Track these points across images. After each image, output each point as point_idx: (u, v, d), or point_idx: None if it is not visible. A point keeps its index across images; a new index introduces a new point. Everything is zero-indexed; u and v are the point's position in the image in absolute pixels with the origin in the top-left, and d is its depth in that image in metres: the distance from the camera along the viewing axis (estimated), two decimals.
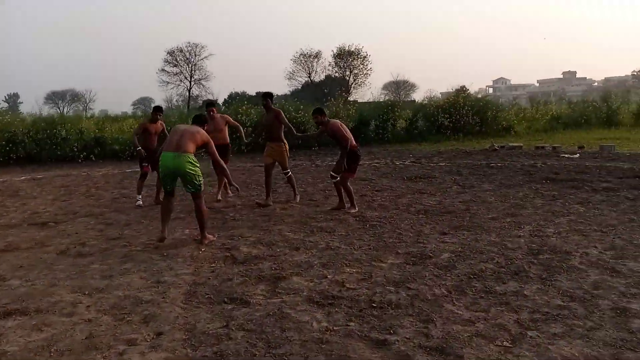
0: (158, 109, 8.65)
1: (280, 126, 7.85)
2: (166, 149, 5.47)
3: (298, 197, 8.10)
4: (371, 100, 23.01)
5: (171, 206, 5.77)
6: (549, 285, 3.95)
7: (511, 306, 3.60)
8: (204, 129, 5.75)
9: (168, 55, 54.71)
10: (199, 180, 5.50)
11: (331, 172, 7.41)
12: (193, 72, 55.55)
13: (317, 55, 58.91)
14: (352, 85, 58.64)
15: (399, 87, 67.85)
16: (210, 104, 8.96)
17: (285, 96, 49.48)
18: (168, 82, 54.96)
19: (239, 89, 51.32)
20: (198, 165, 5.51)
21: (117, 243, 5.75)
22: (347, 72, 59.39)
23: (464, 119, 20.57)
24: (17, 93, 78.49)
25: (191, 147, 5.42)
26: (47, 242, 5.85)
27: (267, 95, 8.13)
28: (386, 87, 67.20)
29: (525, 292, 3.81)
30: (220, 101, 22.78)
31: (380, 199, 8.01)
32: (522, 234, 5.53)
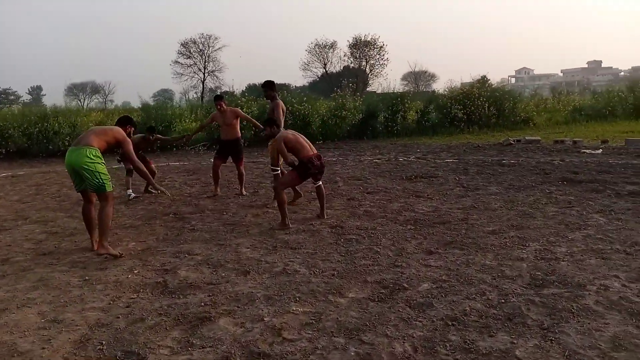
0: (218, 97, 8.15)
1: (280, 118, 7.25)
2: (72, 145, 5.04)
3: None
4: (390, 91, 21.73)
5: (89, 213, 5.18)
6: (550, 340, 2.92)
7: None
8: (126, 130, 5.50)
9: (181, 47, 54.21)
10: (101, 178, 4.87)
11: (270, 166, 7.21)
12: (206, 63, 54.89)
13: (333, 46, 57.74)
14: (369, 76, 57.40)
15: (418, 77, 66.24)
16: (218, 97, 8.21)
17: (302, 88, 48.49)
18: (182, 74, 54.47)
19: (256, 80, 50.36)
20: (100, 161, 4.92)
21: (44, 260, 4.88)
22: (364, 63, 58.10)
23: (479, 111, 19.36)
24: (40, 85, 78.89)
25: (95, 142, 4.95)
26: None
27: (268, 85, 7.51)
28: (405, 77, 65.70)
29: (518, 353, 2.79)
30: (239, 93, 21.76)
31: (369, 203, 7.01)
32: (525, 256, 4.49)
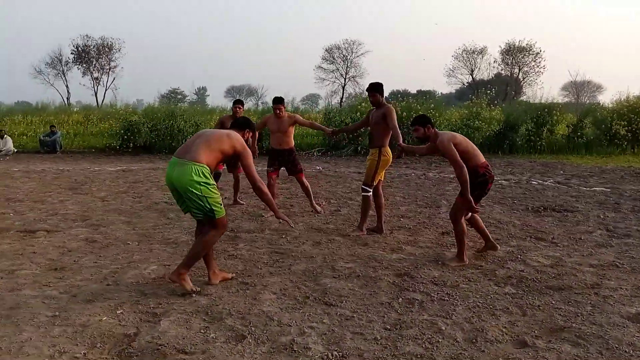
0: (278, 100, 6.73)
1: (387, 128, 5.61)
2: (176, 154, 3.86)
3: (358, 233, 5.77)
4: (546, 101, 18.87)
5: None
6: None
7: None
8: (244, 136, 4.10)
9: (326, 53, 54.83)
10: (209, 204, 3.73)
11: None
12: (348, 69, 54.87)
13: (482, 52, 53.95)
14: (522, 84, 52.76)
15: (580, 88, 59.30)
16: (279, 99, 6.70)
17: (448, 95, 45.56)
18: (324, 79, 55.13)
19: (398, 87, 48.87)
20: (210, 182, 3.75)
21: (44, 278, 4.16)
22: (516, 70, 53.53)
23: None
24: (205, 87, 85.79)
25: (204, 155, 3.74)
26: None
27: (375, 88, 5.77)
28: (565, 87, 59.19)
29: None
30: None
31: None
32: None
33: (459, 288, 3.97)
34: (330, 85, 55.70)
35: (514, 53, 52.99)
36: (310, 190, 6.83)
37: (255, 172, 3.92)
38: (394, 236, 5.67)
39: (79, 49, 49.70)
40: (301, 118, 7.00)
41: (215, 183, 3.82)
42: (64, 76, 51.00)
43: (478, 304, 3.64)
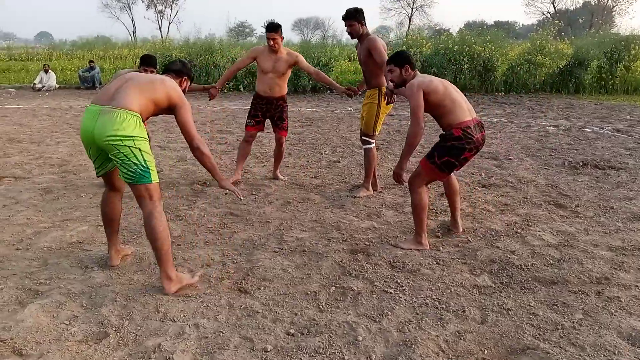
0: (273, 27, 5.06)
1: (376, 64, 4.60)
2: (95, 101, 2.94)
3: (364, 192, 4.89)
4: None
5: (112, 209, 3.21)
6: None
7: None
8: (182, 85, 3.26)
9: None
10: (140, 163, 2.79)
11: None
12: None
13: None
14: (613, 13, 47.40)
15: None
16: (274, 26, 5.06)
17: (530, 27, 41.52)
18: (389, 9, 52.24)
19: (474, 18, 45.17)
20: (142, 135, 2.82)
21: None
22: None
23: None
24: (273, 19, 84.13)
25: (136, 103, 2.83)
26: None
27: (352, 15, 4.67)
28: None
29: None
30: (455, 31, 18.11)
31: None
32: None
33: (417, 275, 3.15)
34: (395, 16, 52.80)
35: None
36: (283, 155, 5.59)
37: (195, 129, 3.00)
38: (382, 196, 4.83)
39: None
40: (305, 61, 5.24)
41: (147, 138, 2.90)
42: (130, 9, 51.49)
43: (428, 301, 2.82)
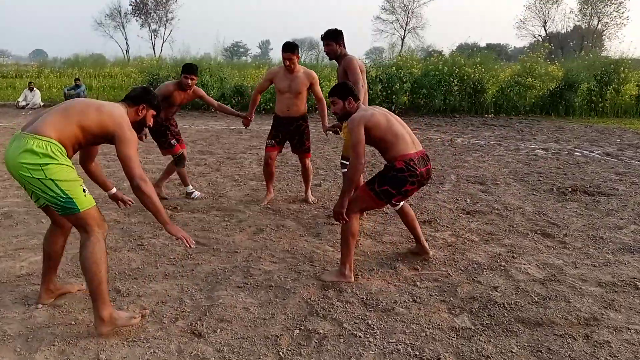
0: (290, 47, 4.87)
1: (354, 85, 4.15)
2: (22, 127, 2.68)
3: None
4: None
5: (51, 243, 2.92)
6: None
7: None
8: (139, 113, 2.84)
9: (385, 2, 52.11)
10: (58, 195, 2.49)
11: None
12: (409, 19, 51.96)
13: (557, 1, 49.25)
14: (603, 37, 47.96)
15: None
16: (291, 46, 4.86)
17: (521, 50, 41.83)
18: (382, 31, 52.65)
19: (466, 40, 45.42)
20: (55, 161, 2.49)
21: None
22: (595, 22, 48.64)
23: None
24: (268, 40, 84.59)
25: (56, 130, 2.53)
26: None
27: (331, 35, 4.53)
28: None
29: None
30: (447, 53, 17.65)
31: (440, 240, 4.21)
32: None
33: (390, 314, 2.89)
34: (388, 38, 53.19)
35: (594, 2, 48.10)
36: (311, 178, 5.41)
37: (138, 165, 2.63)
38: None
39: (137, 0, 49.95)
40: (318, 85, 5.08)
41: (71, 165, 2.59)
42: (123, 28, 51.61)
43: (400, 346, 2.55)
